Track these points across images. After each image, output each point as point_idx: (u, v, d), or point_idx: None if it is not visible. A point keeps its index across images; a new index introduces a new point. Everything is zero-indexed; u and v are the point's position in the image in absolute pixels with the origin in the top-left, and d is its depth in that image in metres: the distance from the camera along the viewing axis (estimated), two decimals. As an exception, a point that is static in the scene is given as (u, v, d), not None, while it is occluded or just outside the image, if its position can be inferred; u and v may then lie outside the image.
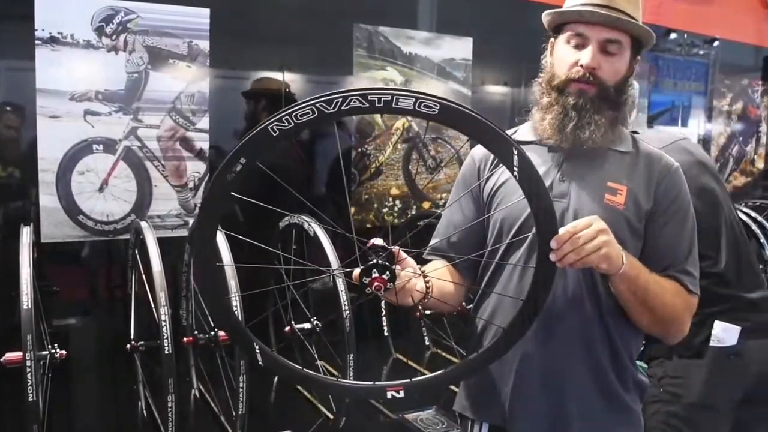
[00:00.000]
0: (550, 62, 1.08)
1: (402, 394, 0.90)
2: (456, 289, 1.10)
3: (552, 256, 0.87)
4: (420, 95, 0.76)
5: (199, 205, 2.06)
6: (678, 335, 1.07)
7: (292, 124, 0.75)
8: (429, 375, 0.94)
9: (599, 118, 1.03)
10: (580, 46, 1.03)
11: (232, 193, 0.78)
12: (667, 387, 1.45)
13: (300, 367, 0.92)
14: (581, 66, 1.02)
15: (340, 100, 0.75)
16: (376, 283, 0.83)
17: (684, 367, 1.44)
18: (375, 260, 0.84)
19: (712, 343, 1.41)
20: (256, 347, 0.88)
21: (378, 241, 0.87)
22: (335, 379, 0.95)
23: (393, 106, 0.75)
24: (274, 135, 0.75)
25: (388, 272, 0.84)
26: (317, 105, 0.75)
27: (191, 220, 2.02)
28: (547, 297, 0.90)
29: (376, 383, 0.91)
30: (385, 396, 0.90)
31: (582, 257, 0.88)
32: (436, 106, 0.76)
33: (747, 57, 3.64)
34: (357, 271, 0.86)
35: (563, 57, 1.05)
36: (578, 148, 1.04)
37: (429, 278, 0.99)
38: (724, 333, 1.40)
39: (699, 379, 1.42)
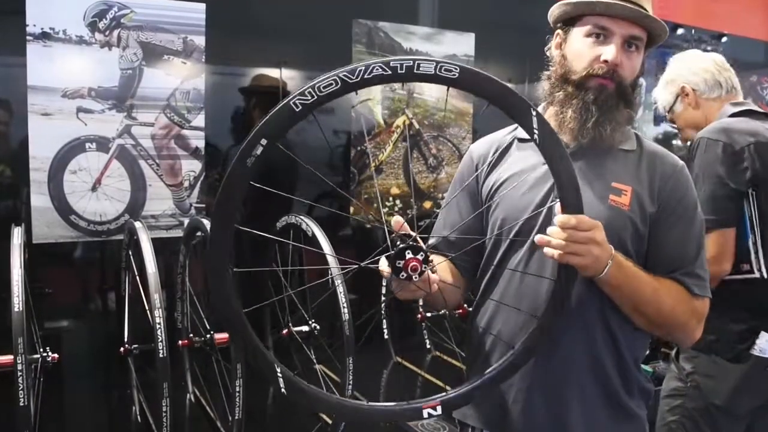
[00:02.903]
0: (561, 55, 1.05)
1: (440, 410, 0.86)
2: (456, 288, 1.08)
3: (537, 238, 0.88)
4: (440, 60, 0.77)
5: (194, 204, 2.04)
6: (686, 340, 1.05)
7: (315, 96, 0.74)
8: (466, 385, 0.90)
9: (619, 115, 1.01)
10: (602, 41, 1.00)
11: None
12: (695, 383, 1.46)
13: (325, 392, 0.88)
14: (605, 62, 0.99)
15: (363, 68, 0.75)
16: (412, 263, 0.81)
17: (719, 368, 1.44)
18: (407, 242, 0.82)
19: (753, 352, 1.42)
20: (278, 370, 0.84)
21: (398, 221, 0.85)
22: (364, 402, 0.90)
23: (415, 71, 0.76)
24: (297, 110, 0.74)
25: (422, 253, 0.82)
26: (340, 75, 0.75)
27: (186, 220, 1.99)
28: (576, 271, 0.89)
29: (411, 402, 0.87)
30: (421, 415, 0.86)
31: (563, 253, 0.87)
32: (456, 69, 0.77)
33: (756, 53, 3.59)
34: (384, 262, 0.84)
35: (582, 51, 1.01)
36: (595, 144, 1.02)
37: (435, 268, 0.95)
38: None
39: (730, 384, 1.43)
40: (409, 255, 0.81)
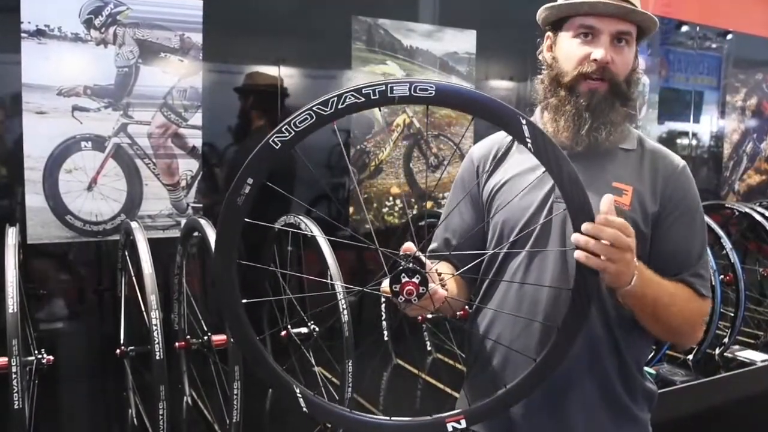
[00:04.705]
0: (552, 57, 1.04)
1: (464, 423, 0.86)
2: (459, 292, 1.07)
3: (575, 237, 0.81)
4: (414, 80, 0.76)
5: (192, 204, 2.02)
6: (691, 342, 1.05)
7: (293, 132, 0.76)
8: (491, 398, 0.88)
9: (615, 116, 1.00)
10: (590, 40, 0.99)
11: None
12: None
13: (348, 409, 0.89)
14: (594, 61, 0.98)
15: (336, 99, 0.75)
16: (408, 288, 0.80)
17: None
18: (403, 265, 0.81)
19: None
20: (297, 391, 0.85)
21: (410, 247, 0.84)
22: (387, 418, 0.88)
23: (389, 95, 0.75)
24: (277, 148, 0.76)
25: (418, 275, 0.81)
26: (314, 109, 0.75)
27: (183, 220, 1.97)
28: (598, 276, 0.84)
29: (434, 416, 0.86)
30: (445, 429, 0.86)
31: (602, 258, 0.81)
32: (432, 88, 0.76)
33: (762, 51, 3.56)
34: (386, 283, 0.83)
35: (571, 52, 1.00)
36: (591, 149, 1.00)
37: (444, 279, 0.95)
38: None
39: None
40: (404, 279, 0.81)
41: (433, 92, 0.75)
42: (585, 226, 0.80)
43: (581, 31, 0.99)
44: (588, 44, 0.99)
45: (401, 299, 0.81)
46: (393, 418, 0.87)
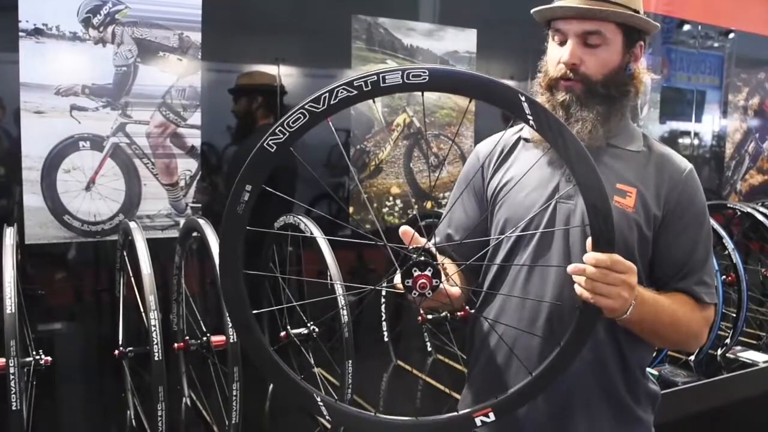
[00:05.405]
0: (546, 60, 1.07)
1: (492, 416, 0.84)
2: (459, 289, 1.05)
3: (570, 268, 0.83)
4: (406, 67, 0.74)
5: (190, 204, 2.01)
6: (695, 347, 1.08)
7: (287, 133, 0.74)
8: (516, 387, 0.86)
9: (586, 114, 1.00)
10: (562, 43, 1.01)
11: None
12: None
13: (372, 413, 0.87)
14: (563, 63, 1.00)
15: (327, 95, 0.73)
16: (421, 281, 0.79)
17: None
18: (414, 258, 0.80)
19: None
20: (318, 399, 0.84)
21: (418, 239, 0.83)
22: (414, 418, 0.87)
23: (382, 85, 0.73)
24: (273, 150, 0.74)
25: (430, 268, 0.79)
26: (306, 107, 0.73)
27: (182, 221, 1.96)
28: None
29: (461, 412, 0.85)
30: (473, 424, 0.85)
31: (592, 293, 0.83)
32: (425, 73, 0.74)
33: (764, 50, 3.55)
34: (397, 279, 0.82)
35: (550, 55, 1.04)
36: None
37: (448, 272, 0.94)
38: None
39: None
40: (416, 273, 0.79)
41: (427, 77, 0.73)
42: (570, 268, 0.83)
43: (555, 34, 1.02)
44: (561, 47, 1.01)
45: (415, 294, 0.79)
46: (420, 418, 0.86)
